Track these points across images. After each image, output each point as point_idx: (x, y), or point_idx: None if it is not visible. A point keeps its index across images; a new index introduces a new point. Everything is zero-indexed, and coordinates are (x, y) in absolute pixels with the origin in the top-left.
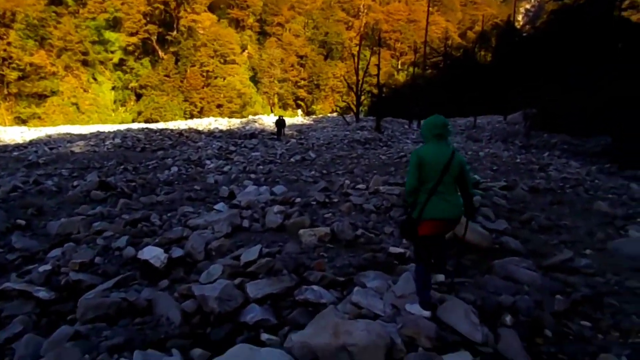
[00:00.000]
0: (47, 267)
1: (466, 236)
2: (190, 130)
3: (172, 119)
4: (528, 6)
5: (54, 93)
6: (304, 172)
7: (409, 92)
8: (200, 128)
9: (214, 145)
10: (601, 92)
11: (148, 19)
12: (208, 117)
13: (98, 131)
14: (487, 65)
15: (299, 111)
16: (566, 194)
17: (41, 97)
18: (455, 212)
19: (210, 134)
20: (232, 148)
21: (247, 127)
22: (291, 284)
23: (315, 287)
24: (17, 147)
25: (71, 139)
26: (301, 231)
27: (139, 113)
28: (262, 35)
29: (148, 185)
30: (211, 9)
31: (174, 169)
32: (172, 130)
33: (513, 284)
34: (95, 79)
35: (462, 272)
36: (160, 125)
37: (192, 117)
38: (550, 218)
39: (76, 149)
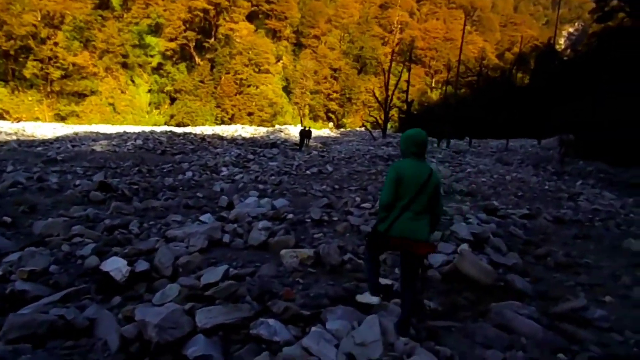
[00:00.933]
0: None
1: (466, 270)
2: (213, 136)
3: (202, 124)
4: (571, 30)
5: (93, 93)
6: (315, 186)
7: (440, 110)
8: (224, 134)
9: (232, 153)
10: None
11: (187, 26)
12: (239, 124)
13: (124, 132)
14: (524, 87)
15: (330, 124)
16: (594, 227)
17: (81, 96)
18: (424, 232)
19: (233, 141)
20: (251, 156)
21: (272, 136)
22: (249, 314)
23: (271, 322)
24: (44, 142)
25: (96, 137)
26: (283, 251)
27: (172, 116)
28: (298, 46)
29: (151, 189)
30: (250, 18)
31: (189, 173)
32: (195, 135)
33: (508, 335)
34: (133, 81)
35: (424, 289)
36: (187, 129)
37: (222, 123)
38: (570, 254)
39: (97, 148)
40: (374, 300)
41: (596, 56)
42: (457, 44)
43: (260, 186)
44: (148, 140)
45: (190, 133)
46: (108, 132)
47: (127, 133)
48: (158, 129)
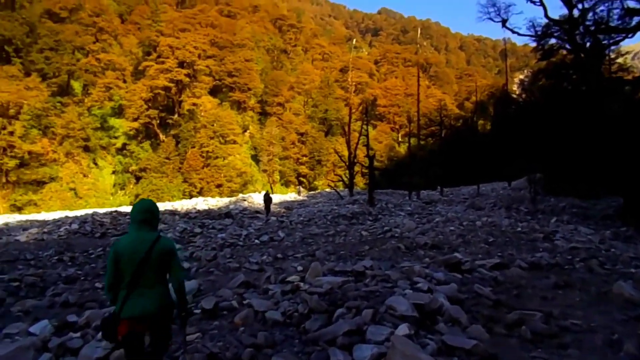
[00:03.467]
0: None
1: None
2: (164, 212)
3: (169, 200)
4: (522, 76)
5: (52, 179)
6: (254, 257)
7: (408, 162)
8: (180, 209)
9: (177, 228)
10: (606, 151)
11: (150, 104)
12: (208, 196)
13: (66, 216)
14: (487, 134)
15: (299, 187)
16: (576, 270)
17: (39, 184)
18: (152, 308)
19: (185, 215)
20: (198, 230)
21: (232, 206)
22: None
23: None
24: None
25: (28, 225)
26: None
27: (137, 196)
28: (264, 115)
29: (40, 285)
30: (213, 92)
31: None
32: None
33: None
34: (96, 164)
35: None
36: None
37: (191, 197)
38: (552, 314)
39: (22, 238)
40: None
41: (547, 93)
42: (417, 98)
43: (186, 264)
44: (86, 224)
45: None
46: (46, 218)
47: (68, 217)
48: (102, 210)
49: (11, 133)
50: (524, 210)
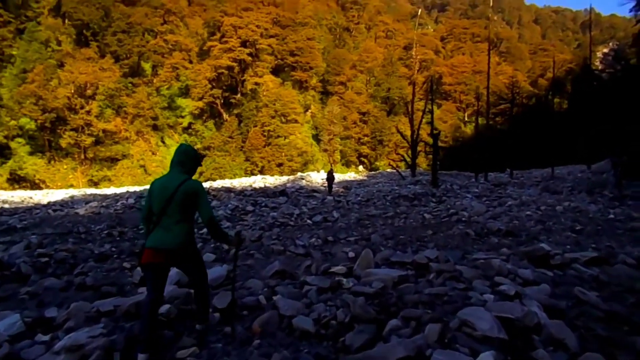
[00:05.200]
0: None
1: None
2: (221, 188)
3: (231, 178)
4: (605, 50)
5: (124, 156)
6: (302, 240)
7: (475, 143)
8: (238, 186)
9: (229, 205)
10: None
11: (214, 84)
12: (271, 175)
13: (127, 191)
14: (563, 112)
15: (360, 167)
16: None
17: (113, 161)
18: (171, 243)
19: (241, 192)
20: (250, 208)
21: (289, 185)
22: None
23: None
24: (30, 209)
25: (93, 199)
26: None
27: (201, 173)
28: (325, 94)
29: (70, 262)
30: (275, 72)
31: None
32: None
33: None
34: (164, 142)
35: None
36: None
37: (252, 175)
38: None
39: (81, 211)
40: (141, 357)
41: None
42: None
43: (226, 246)
44: (142, 198)
45: None
46: (109, 193)
47: (128, 192)
48: None
49: (88, 112)
50: (609, 195)
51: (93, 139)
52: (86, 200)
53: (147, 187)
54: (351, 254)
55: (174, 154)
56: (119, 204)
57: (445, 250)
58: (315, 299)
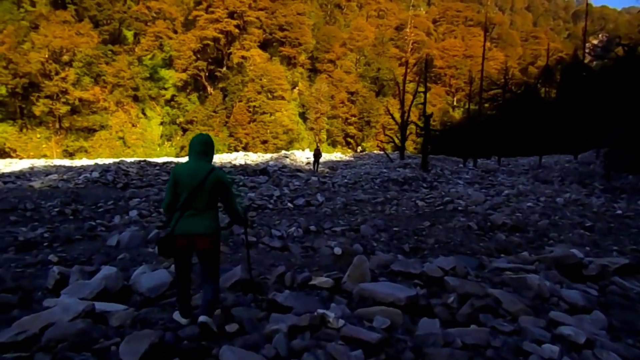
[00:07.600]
0: None
1: None
2: None
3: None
4: (595, 41)
5: (103, 127)
6: (279, 229)
7: (464, 128)
8: (217, 161)
9: None
10: None
11: (199, 56)
12: (254, 152)
13: (95, 164)
14: (551, 101)
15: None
16: None
17: (90, 131)
18: (200, 228)
19: (220, 169)
20: None
21: (271, 163)
22: None
23: None
24: None
25: (55, 170)
26: None
27: (182, 148)
28: (314, 72)
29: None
30: (263, 46)
31: (133, 213)
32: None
33: None
34: (145, 114)
35: None
36: (171, 159)
37: (235, 152)
38: None
39: (37, 184)
40: (183, 321)
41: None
42: (478, 60)
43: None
44: (108, 172)
45: (171, 163)
46: (78, 165)
47: (93, 165)
48: (129, 159)
49: (64, 79)
50: (599, 186)
51: (69, 107)
52: (47, 172)
53: (125, 159)
54: (337, 251)
55: (192, 144)
56: (81, 177)
57: (458, 257)
58: (285, 350)
